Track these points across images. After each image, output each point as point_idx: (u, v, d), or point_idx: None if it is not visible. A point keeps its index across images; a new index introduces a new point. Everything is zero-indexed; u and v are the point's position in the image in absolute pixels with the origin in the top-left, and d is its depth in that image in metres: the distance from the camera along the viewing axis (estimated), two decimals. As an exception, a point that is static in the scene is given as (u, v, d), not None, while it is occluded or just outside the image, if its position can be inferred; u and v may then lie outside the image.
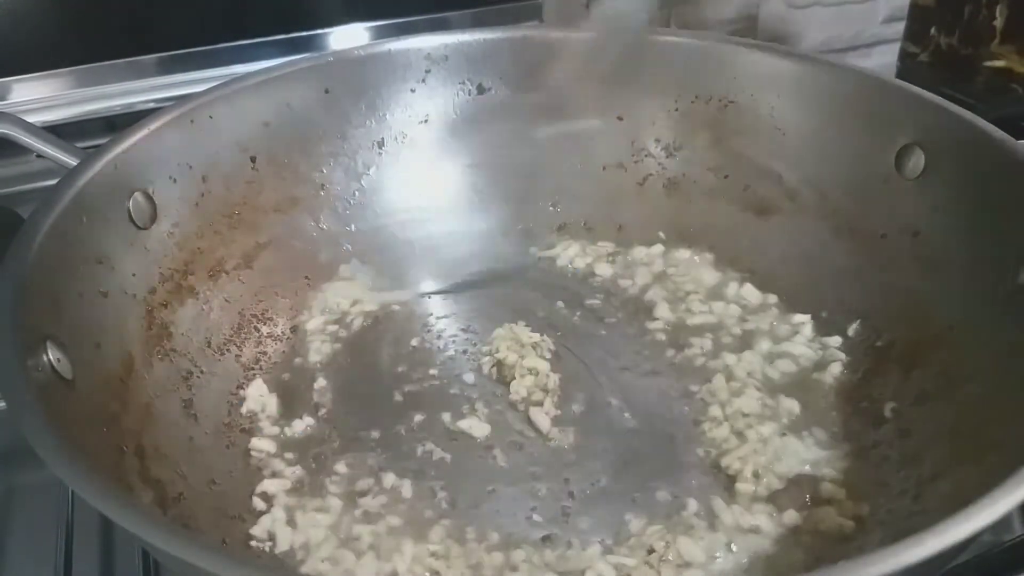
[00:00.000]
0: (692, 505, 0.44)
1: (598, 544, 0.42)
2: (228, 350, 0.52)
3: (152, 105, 0.73)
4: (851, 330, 0.53)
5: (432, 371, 0.53)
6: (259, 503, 0.45)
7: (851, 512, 0.43)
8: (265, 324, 0.55)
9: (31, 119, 0.69)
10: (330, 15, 0.80)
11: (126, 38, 0.74)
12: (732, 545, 0.42)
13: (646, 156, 0.63)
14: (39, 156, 0.50)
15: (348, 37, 0.81)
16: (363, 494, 0.45)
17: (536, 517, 0.44)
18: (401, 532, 0.43)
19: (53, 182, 0.46)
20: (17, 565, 0.45)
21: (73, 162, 0.48)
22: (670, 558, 0.41)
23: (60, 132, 0.71)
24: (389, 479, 0.46)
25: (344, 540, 0.43)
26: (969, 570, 0.39)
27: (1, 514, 0.48)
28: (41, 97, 0.73)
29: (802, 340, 0.54)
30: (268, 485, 0.45)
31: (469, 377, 0.53)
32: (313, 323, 0.56)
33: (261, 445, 0.48)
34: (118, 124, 0.73)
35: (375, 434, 0.49)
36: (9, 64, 0.71)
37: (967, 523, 0.28)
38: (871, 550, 0.27)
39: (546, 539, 0.43)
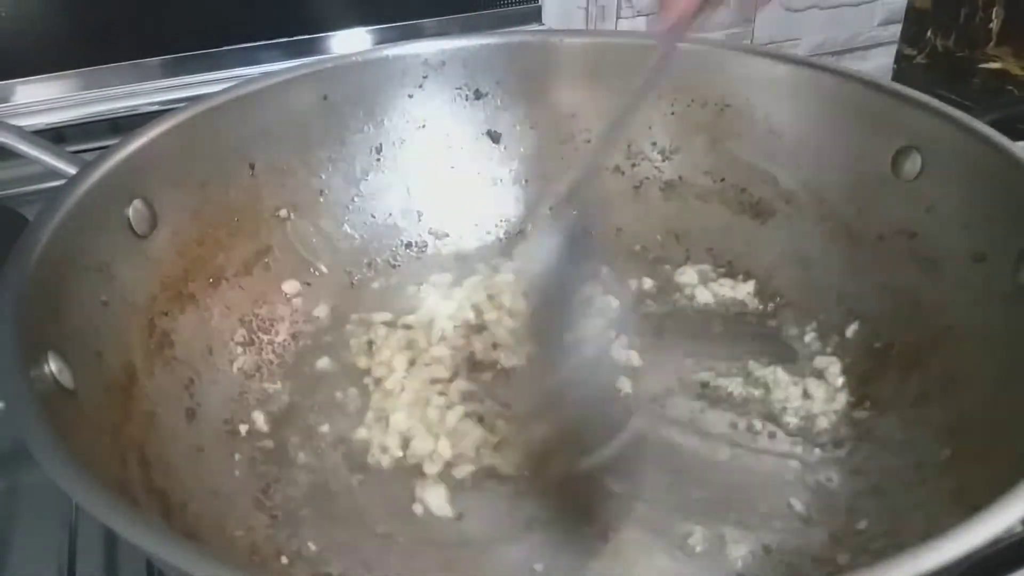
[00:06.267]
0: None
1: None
2: (229, 358, 0.52)
3: (156, 107, 0.73)
4: (849, 332, 0.54)
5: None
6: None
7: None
8: (266, 332, 0.55)
9: (36, 121, 0.69)
10: (333, 19, 0.80)
11: (130, 41, 0.74)
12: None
13: (643, 159, 0.63)
14: (39, 162, 0.50)
15: (350, 41, 0.81)
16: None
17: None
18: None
19: (56, 183, 0.46)
20: (21, 564, 0.45)
21: (71, 170, 0.48)
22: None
23: (65, 134, 0.72)
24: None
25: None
26: (969, 568, 0.39)
27: (5, 513, 0.48)
28: (46, 99, 0.72)
29: (800, 342, 0.54)
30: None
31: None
32: (314, 329, 0.56)
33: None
34: (122, 126, 0.73)
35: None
36: (14, 66, 0.71)
37: (982, 528, 0.28)
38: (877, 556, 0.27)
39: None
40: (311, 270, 0.58)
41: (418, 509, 0.45)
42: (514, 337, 0.55)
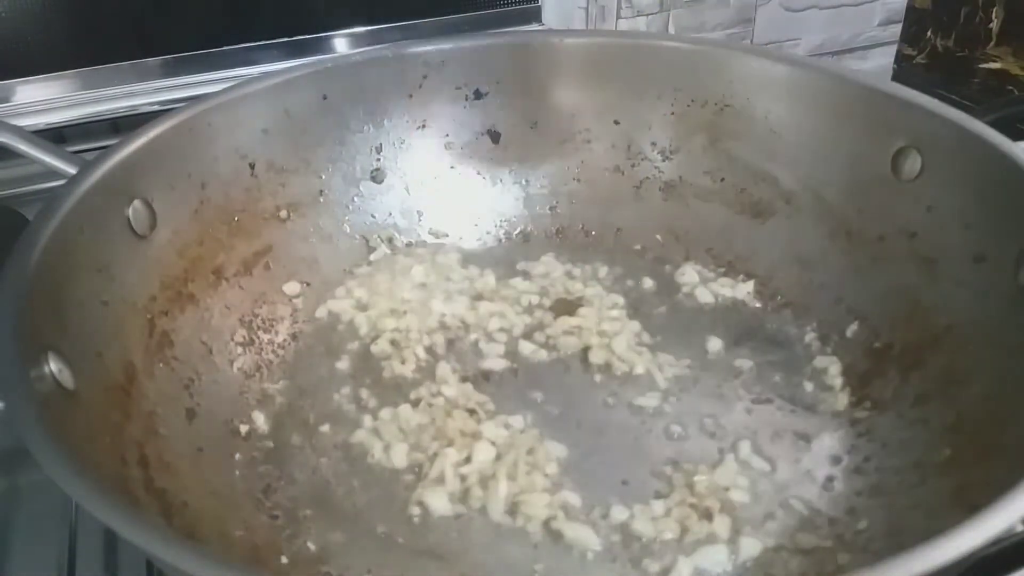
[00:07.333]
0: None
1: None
2: (229, 357, 0.52)
3: (156, 107, 0.74)
4: (849, 331, 0.54)
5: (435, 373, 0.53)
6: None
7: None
8: (266, 331, 0.55)
9: (36, 121, 0.69)
10: (333, 19, 0.80)
11: (130, 41, 0.75)
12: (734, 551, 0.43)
13: (643, 160, 0.63)
14: (40, 161, 0.50)
15: (350, 40, 0.81)
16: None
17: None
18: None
19: (56, 183, 0.46)
20: (21, 565, 0.45)
21: (71, 170, 0.48)
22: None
23: (65, 134, 0.73)
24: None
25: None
26: (969, 568, 0.39)
27: (4, 513, 0.48)
28: (46, 99, 0.73)
29: (800, 342, 0.54)
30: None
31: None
32: (314, 329, 0.56)
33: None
34: (122, 126, 0.74)
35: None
36: (15, 66, 0.72)
37: (982, 528, 0.28)
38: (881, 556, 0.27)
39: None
40: (311, 270, 0.58)
41: (418, 510, 0.45)
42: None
